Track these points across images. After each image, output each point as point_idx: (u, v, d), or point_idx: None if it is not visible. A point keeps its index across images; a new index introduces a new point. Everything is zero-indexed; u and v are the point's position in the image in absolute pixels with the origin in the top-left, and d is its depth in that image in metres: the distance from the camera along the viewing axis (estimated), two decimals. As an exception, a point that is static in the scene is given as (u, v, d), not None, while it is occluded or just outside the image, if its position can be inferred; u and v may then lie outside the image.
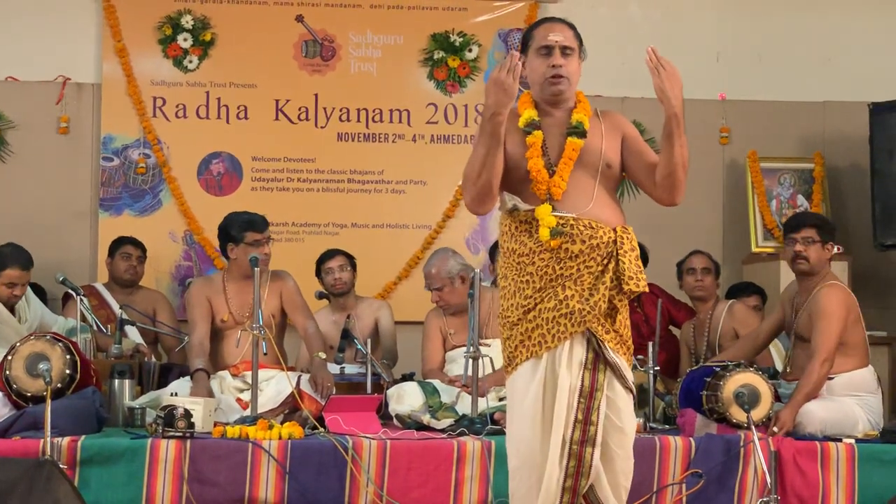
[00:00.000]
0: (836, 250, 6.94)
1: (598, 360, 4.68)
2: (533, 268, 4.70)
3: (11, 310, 7.17)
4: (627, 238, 4.73)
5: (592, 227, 4.66)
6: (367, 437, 6.12)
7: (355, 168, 9.31)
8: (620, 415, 4.71)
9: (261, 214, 7.35)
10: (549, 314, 4.66)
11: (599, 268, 4.68)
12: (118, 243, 8.47)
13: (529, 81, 4.84)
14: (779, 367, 7.38)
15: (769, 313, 8.18)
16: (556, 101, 4.80)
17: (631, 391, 4.75)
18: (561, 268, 4.67)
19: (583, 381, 4.65)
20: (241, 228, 7.19)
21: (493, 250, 8.17)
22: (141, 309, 8.14)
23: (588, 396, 4.64)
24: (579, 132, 4.73)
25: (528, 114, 4.77)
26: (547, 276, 4.68)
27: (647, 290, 4.76)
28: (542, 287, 4.68)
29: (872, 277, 7.62)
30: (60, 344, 6.17)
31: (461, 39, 9.39)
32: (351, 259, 8.09)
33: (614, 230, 4.71)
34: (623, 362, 4.72)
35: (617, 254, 4.67)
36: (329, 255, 8.07)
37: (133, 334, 7.78)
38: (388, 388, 7.08)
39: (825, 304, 6.59)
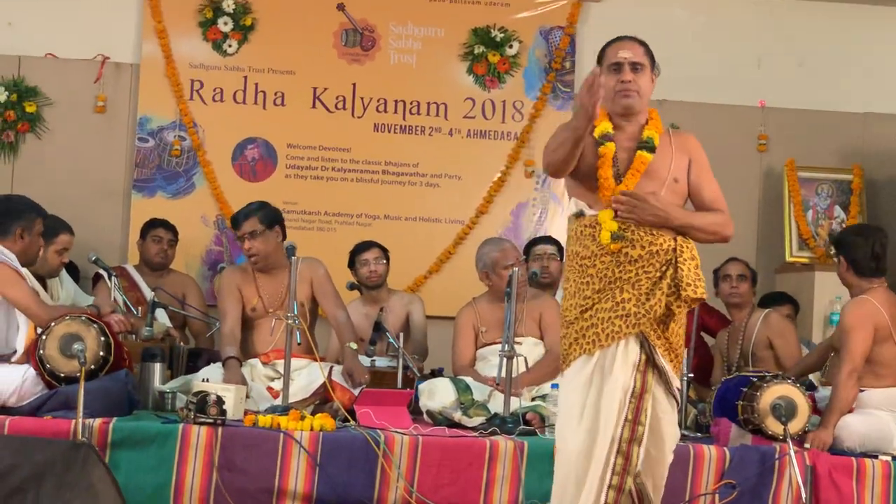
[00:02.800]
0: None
1: (649, 363, 4.86)
2: (594, 270, 4.91)
3: (45, 286, 7.13)
4: (688, 247, 4.91)
5: (653, 234, 4.87)
6: (398, 433, 6.08)
7: (390, 160, 9.27)
8: (661, 423, 4.90)
9: (249, 207, 7.21)
10: (605, 314, 4.86)
11: (658, 273, 4.87)
12: (150, 226, 8.45)
13: (604, 96, 4.94)
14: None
15: (802, 322, 8.17)
16: (626, 114, 5.01)
17: (675, 397, 4.95)
18: (620, 271, 4.88)
19: (635, 381, 4.83)
20: (232, 225, 7.26)
21: (528, 249, 8.11)
22: (171, 292, 8.12)
23: (639, 397, 4.82)
24: (649, 147, 4.97)
25: (604, 126, 4.98)
26: (606, 278, 4.89)
27: (704, 297, 4.91)
28: (601, 289, 4.89)
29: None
30: (95, 325, 6.13)
31: (502, 35, 9.33)
32: (385, 252, 8.04)
33: (675, 239, 4.89)
34: (670, 368, 4.90)
35: (676, 261, 4.86)
36: (365, 246, 8.02)
37: (162, 317, 7.75)
38: (417, 383, 7.03)
39: (845, 318, 6.57)
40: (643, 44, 5.09)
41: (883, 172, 9.34)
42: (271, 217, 7.13)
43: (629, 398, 4.81)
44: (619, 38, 5.12)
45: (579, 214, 5.03)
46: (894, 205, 9.20)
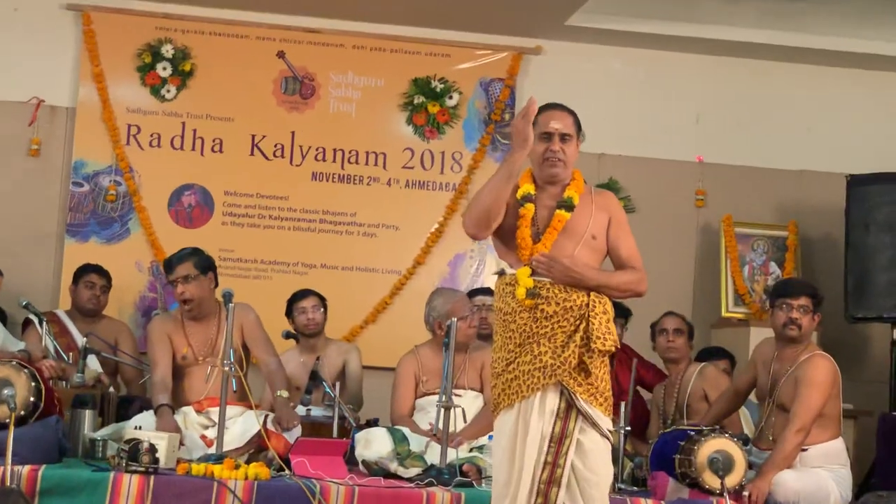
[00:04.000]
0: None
1: (570, 409, 5.13)
2: (514, 325, 5.21)
3: (-27, 331, 7.02)
4: (600, 302, 5.21)
5: (566, 292, 5.17)
6: (334, 482, 6.00)
7: (328, 208, 9.24)
8: (592, 458, 5.14)
9: (182, 252, 7.12)
10: (525, 367, 5.16)
11: (572, 328, 5.16)
12: (83, 271, 8.33)
13: (531, 160, 5.32)
14: (747, 432, 7.34)
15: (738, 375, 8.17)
16: (551, 181, 5.30)
17: (608, 438, 5.18)
18: (537, 326, 5.17)
19: (554, 427, 5.12)
20: (164, 269, 7.18)
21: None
22: (103, 338, 7.99)
23: (558, 441, 5.11)
24: (567, 206, 5.26)
25: (525, 188, 5.30)
26: (525, 333, 5.19)
27: (612, 349, 5.21)
28: (522, 343, 5.19)
29: (842, 349, 7.58)
30: (26, 370, 6.03)
31: (442, 86, 9.35)
32: (323, 300, 7.98)
33: (587, 294, 5.18)
34: (597, 412, 5.16)
35: (588, 315, 5.16)
36: (302, 294, 7.95)
37: (93, 364, 7.63)
38: (353, 433, 6.95)
39: (813, 374, 6.55)
40: (572, 113, 5.34)
41: (818, 229, 9.43)
42: (205, 263, 7.05)
43: (548, 443, 5.11)
44: (550, 107, 5.35)
45: (501, 273, 5.33)
46: (828, 261, 9.27)
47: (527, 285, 5.15)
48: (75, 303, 8.31)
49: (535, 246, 5.20)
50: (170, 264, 7.05)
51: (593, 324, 5.13)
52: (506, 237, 5.30)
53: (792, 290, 6.83)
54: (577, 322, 5.14)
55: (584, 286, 5.16)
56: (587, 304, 5.15)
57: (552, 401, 5.13)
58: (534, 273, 5.16)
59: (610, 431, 5.20)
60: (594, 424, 5.13)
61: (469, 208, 5.30)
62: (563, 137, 5.26)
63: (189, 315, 7.00)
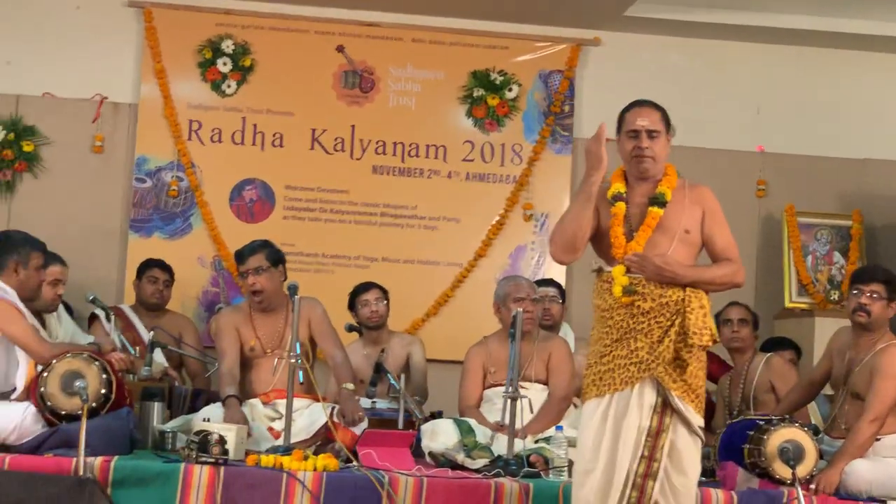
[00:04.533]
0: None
1: (666, 405, 5.19)
2: (612, 321, 5.27)
3: (43, 324, 7.06)
4: (696, 297, 5.22)
5: (662, 287, 5.21)
6: (402, 474, 6.01)
7: (389, 202, 9.25)
8: (682, 458, 5.21)
9: (255, 243, 7.19)
10: (621, 361, 5.22)
11: (668, 323, 5.21)
12: (146, 266, 8.40)
13: (621, 158, 5.40)
14: (815, 423, 7.29)
15: (804, 368, 8.12)
16: (642, 177, 5.33)
17: (699, 436, 5.24)
18: (634, 322, 5.23)
19: (651, 421, 5.17)
20: (235, 261, 7.24)
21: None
22: (167, 332, 8.05)
23: (655, 436, 5.17)
24: (660, 202, 5.29)
25: (616, 187, 5.36)
26: (622, 329, 5.25)
27: (710, 344, 5.22)
28: (619, 338, 5.25)
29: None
30: (97, 363, 6.07)
31: (502, 78, 9.34)
32: (385, 292, 8.00)
33: (683, 289, 5.21)
34: (690, 409, 5.21)
35: (684, 311, 5.19)
36: (365, 287, 7.97)
37: (158, 357, 7.68)
38: (419, 425, 6.97)
39: (889, 363, 6.47)
40: (660, 108, 5.38)
41: (882, 218, 9.35)
42: (276, 256, 7.12)
43: (645, 437, 5.16)
44: (637, 104, 5.39)
45: (598, 271, 5.39)
46: (893, 250, 9.17)
47: (622, 283, 5.21)
48: (139, 297, 8.37)
49: (629, 244, 5.26)
50: (241, 255, 7.10)
51: (690, 319, 5.17)
52: (600, 237, 5.37)
53: (864, 276, 6.74)
54: (673, 317, 5.19)
55: (679, 283, 5.20)
56: (683, 300, 5.19)
57: (650, 395, 5.18)
58: (629, 270, 5.22)
59: (700, 428, 5.24)
60: (686, 422, 5.19)
61: (553, 235, 5.38)
62: (651, 134, 5.28)
63: (258, 307, 7.05)
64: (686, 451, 5.21)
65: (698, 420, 5.23)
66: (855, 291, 6.68)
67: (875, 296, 6.63)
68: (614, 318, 5.25)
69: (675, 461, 5.18)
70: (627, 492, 5.12)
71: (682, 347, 5.17)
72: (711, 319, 5.28)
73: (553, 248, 5.38)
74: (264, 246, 7.12)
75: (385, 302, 7.94)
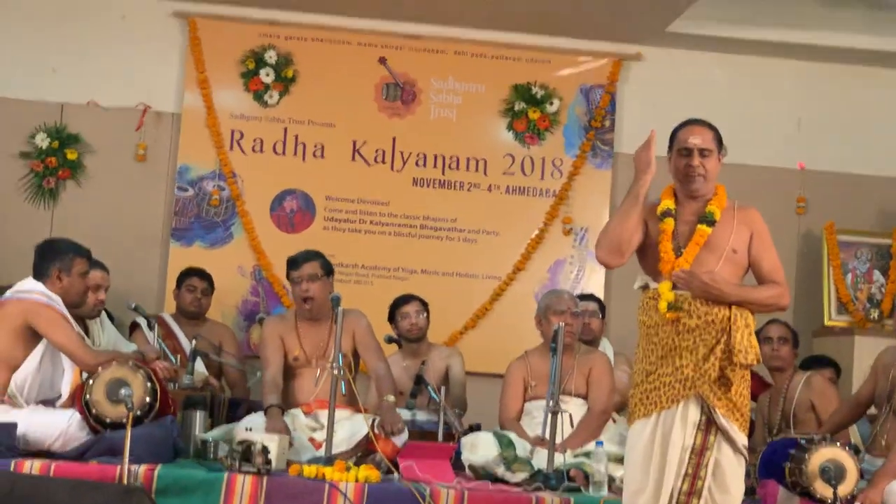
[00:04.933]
0: None
1: (710, 423, 5.23)
2: (657, 338, 5.32)
3: (86, 330, 7.12)
4: (742, 316, 5.27)
5: (708, 305, 5.25)
6: (444, 486, 6.03)
7: (429, 214, 9.28)
8: (725, 476, 5.25)
9: (309, 252, 7.29)
10: (666, 378, 5.26)
11: (714, 340, 5.24)
12: (185, 275, 8.44)
13: (672, 176, 5.45)
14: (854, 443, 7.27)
15: (843, 386, 8.11)
16: (692, 196, 5.38)
17: (742, 455, 5.28)
18: (680, 339, 5.27)
19: (695, 439, 5.22)
20: (287, 267, 7.24)
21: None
22: (207, 341, 8.09)
23: (699, 454, 5.22)
24: (709, 221, 5.33)
25: (665, 203, 5.42)
26: (667, 345, 5.29)
27: (755, 363, 5.27)
28: (664, 355, 5.29)
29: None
30: (142, 371, 6.13)
31: (543, 92, 9.36)
32: (425, 305, 8.02)
33: (729, 308, 5.24)
34: (734, 427, 5.24)
35: (730, 329, 5.23)
36: (405, 299, 8.00)
37: (199, 366, 7.72)
38: (459, 438, 6.99)
39: None
40: (712, 128, 5.43)
41: (923, 237, 9.33)
42: (328, 267, 7.21)
43: (689, 455, 5.21)
44: (690, 122, 5.44)
45: (644, 287, 5.44)
46: (933, 270, 9.15)
47: (668, 299, 5.26)
48: (179, 306, 8.41)
49: (676, 260, 5.30)
50: (296, 262, 7.16)
51: (735, 337, 5.20)
52: (647, 253, 5.41)
53: None
54: (719, 335, 5.23)
55: (725, 302, 5.23)
56: (729, 318, 5.23)
57: (694, 413, 5.23)
58: (675, 287, 5.27)
59: (744, 447, 5.28)
60: (730, 440, 5.23)
61: (600, 238, 5.41)
62: (703, 152, 5.34)
63: (306, 315, 7.09)
64: (730, 469, 5.24)
65: (742, 438, 5.27)
66: None
67: None
68: (659, 334, 5.30)
69: (719, 479, 5.22)
70: None
71: (727, 366, 5.21)
72: (755, 339, 5.32)
73: (599, 251, 5.40)
74: (318, 256, 7.21)
75: (425, 314, 7.97)
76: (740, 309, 5.26)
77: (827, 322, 9.08)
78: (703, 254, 5.30)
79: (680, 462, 5.18)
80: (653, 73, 9.45)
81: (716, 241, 5.32)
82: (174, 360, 7.66)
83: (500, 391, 7.33)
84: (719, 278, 5.23)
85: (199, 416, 6.77)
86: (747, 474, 6.72)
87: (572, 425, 6.71)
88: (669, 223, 5.35)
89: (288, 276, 7.21)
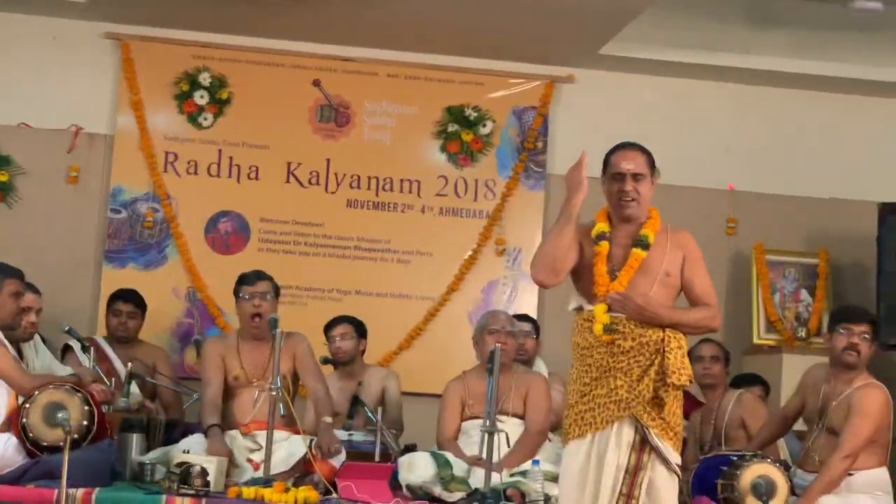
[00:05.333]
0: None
1: (644, 443, 5.28)
2: (591, 360, 5.35)
3: (20, 354, 7.08)
4: (675, 338, 5.35)
5: (642, 327, 5.31)
6: (382, 507, 6.08)
7: (363, 235, 9.31)
8: (660, 495, 5.31)
9: (260, 271, 7.32)
10: (601, 399, 5.30)
11: (647, 362, 5.30)
12: (111, 299, 8.37)
13: (606, 200, 5.49)
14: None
15: (772, 404, 8.22)
16: (625, 219, 5.43)
17: (676, 473, 5.35)
18: (614, 361, 5.32)
19: (629, 459, 5.26)
20: (237, 283, 7.25)
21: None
22: (141, 363, 8.05)
23: (633, 474, 5.25)
24: (643, 244, 5.39)
25: (600, 227, 5.46)
26: (602, 367, 5.33)
27: (688, 383, 5.35)
28: (598, 377, 5.33)
29: (874, 376, 7.63)
30: (79, 394, 6.12)
31: (476, 114, 9.43)
32: (358, 327, 8.04)
33: (663, 330, 5.31)
34: (668, 447, 5.31)
35: (664, 350, 5.30)
36: (333, 322, 8.05)
37: (133, 388, 7.69)
38: (396, 458, 7.02)
39: (867, 403, 6.60)
40: (645, 151, 5.50)
41: (849, 257, 9.50)
42: (277, 288, 7.25)
43: (624, 475, 5.25)
44: (623, 146, 5.51)
45: (579, 309, 5.47)
46: (859, 289, 9.31)
47: (604, 321, 5.30)
48: (107, 329, 8.36)
49: (611, 284, 5.34)
50: (249, 278, 7.19)
51: (669, 359, 5.28)
52: (581, 275, 5.44)
53: (854, 317, 6.86)
54: (653, 357, 5.29)
55: (658, 325, 5.30)
56: (662, 340, 5.30)
57: (628, 433, 5.28)
58: (610, 309, 5.30)
59: (678, 466, 5.35)
60: (664, 460, 5.29)
61: (535, 257, 5.49)
62: (636, 177, 5.40)
63: (252, 333, 7.09)
64: (664, 488, 5.30)
65: (676, 458, 5.34)
66: (843, 331, 6.78)
67: (865, 336, 6.76)
68: (594, 356, 5.34)
69: (654, 498, 5.28)
70: None
71: (661, 387, 5.27)
72: (688, 360, 5.40)
73: (534, 271, 5.43)
74: (268, 277, 7.25)
75: (353, 337, 7.98)
76: (673, 331, 5.33)
77: (756, 340, 9.22)
78: (637, 277, 5.36)
79: (615, 482, 5.22)
80: (585, 95, 9.55)
81: (649, 264, 5.38)
82: (109, 383, 7.63)
83: (438, 411, 7.37)
84: (654, 301, 5.31)
85: (135, 439, 6.77)
86: (680, 491, 6.85)
87: (509, 445, 6.75)
88: (604, 246, 5.40)
89: (237, 293, 7.18)
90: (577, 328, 5.44)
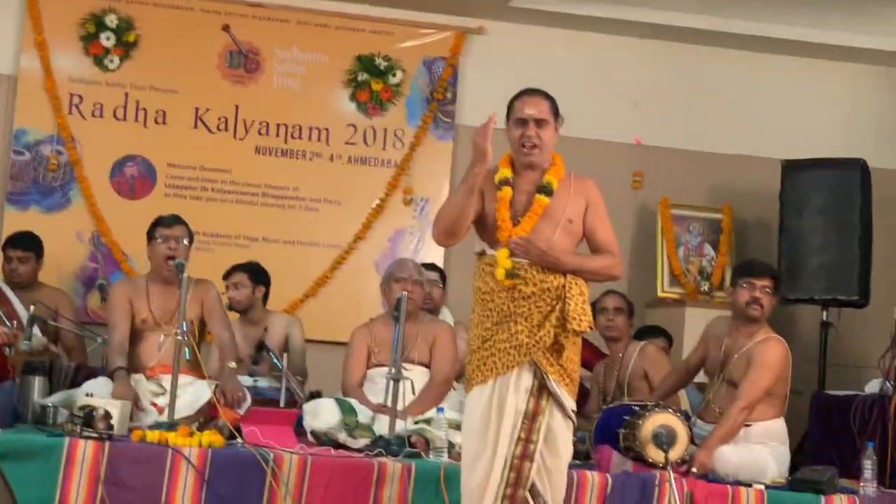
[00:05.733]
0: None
1: (542, 388, 5.31)
2: (492, 304, 5.36)
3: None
4: (576, 284, 5.36)
5: (544, 273, 5.31)
6: (287, 452, 6.07)
7: (270, 183, 9.28)
8: (557, 440, 5.35)
9: (176, 216, 7.24)
10: (501, 345, 5.31)
11: (548, 308, 5.31)
12: (4, 245, 8.24)
13: (510, 145, 5.48)
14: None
15: (674, 355, 8.34)
16: (528, 165, 5.42)
17: (571, 419, 5.39)
18: (515, 306, 5.31)
19: (528, 404, 5.29)
20: (153, 225, 7.15)
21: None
22: (44, 306, 7.95)
23: (531, 418, 5.29)
24: (546, 191, 5.40)
25: (503, 173, 5.45)
26: (503, 312, 5.33)
27: (588, 330, 5.37)
28: (499, 321, 5.33)
29: (775, 331, 7.77)
30: (-21, 337, 6.04)
31: (386, 63, 9.41)
32: (255, 275, 8.01)
33: (564, 276, 5.33)
34: (564, 392, 5.35)
35: (565, 296, 5.31)
36: (229, 271, 8.07)
37: (35, 332, 7.59)
38: (301, 405, 7.03)
39: (766, 356, 6.73)
40: (549, 98, 5.49)
41: (752, 213, 9.63)
42: (192, 235, 7.17)
43: (522, 420, 5.27)
44: (526, 92, 5.49)
45: (481, 253, 5.46)
46: (761, 244, 9.44)
47: (505, 266, 5.28)
48: (3, 274, 8.23)
49: (514, 229, 5.33)
50: (166, 221, 7.10)
51: (570, 305, 5.28)
52: (484, 221, 5.43)
53: (756, 271, 6.96)
54: (554, 303, 5.29)
55: (561, 270, 5.30)
56: (564, 286, 5.30)
57: (527, 379, 5.29)
58: (512, 254, 5.29)
59: (573, 412, 5.38)
60: (560, 405, 5.32)
61: (436, 219, 5.45)
62: (539, 122, 5.39)
63: (163, 278, 7.00)
64: (560, 433, 5.34)
65: (571, 404, 5.37)
66: (745, 285, 6.89)
67: (767, 290, 6.87)
68: (495, 300, 5.33)
69: (551, 443, 5.31)
70: (506, 473, 5.23)
71: (561, 333, 5.29)
72: (589, 307, 5.42)
73: (435, 232, 5.45)
74: (185, 222, 7.16)
75: (248, 286, 7.97)
76: (575, 277, 5.34)
77: (660, 293, 9.33)
78: (540, 223, 5.36)
79: (514, 426, 5.25)
80: (495, 46, 9.57)
81: (552, 210, 5.39)
82: (10, 326, 7.55)
83: (344, 358, 7.39)
84: (556, 246, 5.31)
85: (38, 382, 6.68)
86: (583, 440, 6.96)
87: (414, 393, 6.79)
88: (507, 192, 5.39)
89: (152, 234, 7.07)
90: (479, 273, 5.44)
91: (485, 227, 5.46)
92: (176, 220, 7.14)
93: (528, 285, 5.30)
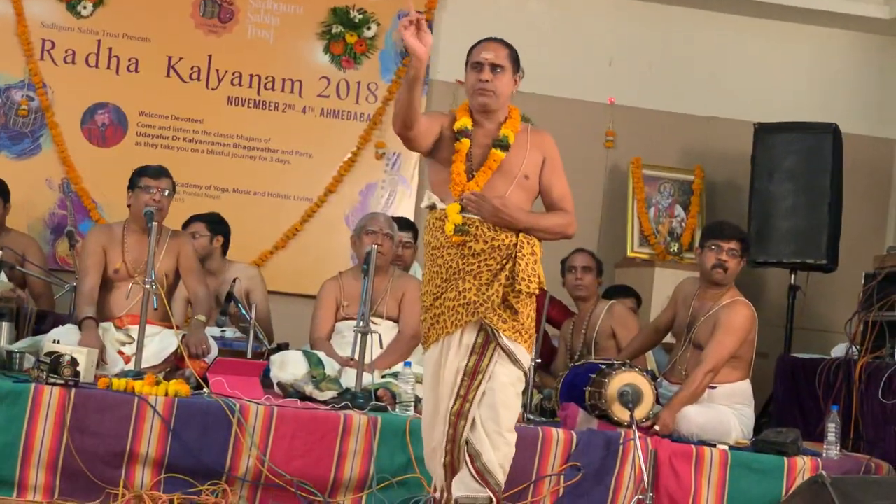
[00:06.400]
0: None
1: (486, 345, 5.23)
2: (441, 261, 5.27)
3: None
4: (528, 243, 5.25)
5: (496, 230, 5.22)
6: (253, 402, 6.08)
7: (242, 133, 9.23)
8: (495, 398, 5.22)
9: (162, 167, 7.18)
10: (450, 303, 5.23)
11: (498, 266, 5.22)
12: None
13: (466, 92, 5.35)
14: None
15: (643, 316, 8.38)
16: (484, 111, 5.30)
17: (524, 374, 5.32)
18: (464, 263, 5.23)
19: (468, 361, 5.22)
20: (137, 174, 7.09)
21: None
22: (11, 251, 7.91)
23: (471, 376, 5.21)
24: (503, 145, 5.27)
25: (463, 122, 5.31)
26: (452, 269, 5.25)
27: (537, 292, 5.26)
28: (448, 279, 5.25)
29: (743, 294, 7.81)
30: (-52, 280, 6.01)
31: (361, 16, 9.36)
32: (212, 224, 7.98)
33: (516, 234, 5.23)
34: (520, 348, 5.25)
35: (516, 256, 5.21)
36: (187, 221, 8.03)
37: (1, 277, 7.57)
38: (268, 356, 7.04)
39: (733, 319, 6.76)
40: (508, 46, 5.36)
41: (723, 175, 9.64)
42: (174, 186, 7.13)
43: (462, 377, 5.21)
44: (486, 39, 5.38)
45: (431, 207, 5.36)
46: (732, 206, 9.47)
47: (455, 221, 5.19)
48: (-30, 219, 8.20)
49: (467, 184, 5.23)
50: (153, 171, 7.04)
51: (520, 265, 5.20)
52: (437, 169, 5.35)
53: (723, 233, 6.96)
54: (504, 262, 5.21)
55: (515, 228, 5.21)
56: (515, 245, 5.21)
57: (469, 336, 5.22)
58: (464, 210, 5.20)
59: (529, 368, 5.37)
60: (515, 361, 5.23)
61: (393, 116, 5.20)
62: (494, 67, 5.25)
63: (141, 227, 6.92)
64: (502, 392, 5.23)
65: (527, 359, 5.30)
66: (712, 247, 6.91)
67: (734, 253, 6.89)
68: (444, 257, 5.24)
69: (489, 402, 5.20)
70: (444, 429, 5.22)
71: (510, 293, 5.21)
72: (541, 267, 5.29)
73: (394, 124, 5.17)
74: (171, 175, 7.11)
75: (205, 236, 7.92)
76: (528, 236, 5.24)
77: (629, 253, 9.34)
78: (495, 178, 5.25)
79: (453, 384, 5.20)
80: (471, 2, 9.53)
81: (508, 165, 5.27)
82: (-24, 272, 7.52)
83: (312, 310, 7.39)
84: (510, 204, 5.19)
85: (4, 327, 6.70)
86: (549, 398, 7.00)
87: (382, 347, 6.80)
88: (465, 143, 5.26)
89: (135, 183, 7.01)
90: (429, 227, 5.33)
91: (437, 175, 5.35)
92: (162, 172, 7.08)
93: (478, 242, 5.19)
